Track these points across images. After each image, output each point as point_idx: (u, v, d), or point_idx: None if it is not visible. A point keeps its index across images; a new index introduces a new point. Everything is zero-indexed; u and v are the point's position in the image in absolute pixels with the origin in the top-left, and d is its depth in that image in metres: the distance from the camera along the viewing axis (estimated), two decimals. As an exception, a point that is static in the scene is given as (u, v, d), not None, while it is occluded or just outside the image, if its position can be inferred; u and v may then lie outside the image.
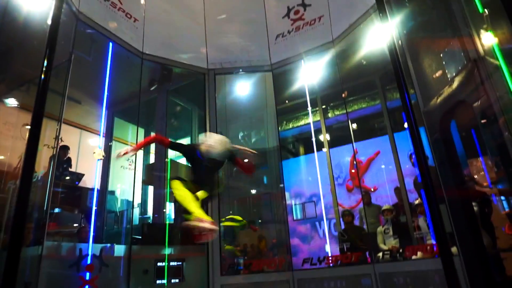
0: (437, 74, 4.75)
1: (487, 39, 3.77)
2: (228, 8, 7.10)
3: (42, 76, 2.07)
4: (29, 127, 5.14)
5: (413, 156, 6.32)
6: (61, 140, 5.10)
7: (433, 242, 4.97)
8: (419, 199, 5.71)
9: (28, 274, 4.05)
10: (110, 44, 5.84)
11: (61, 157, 5.87)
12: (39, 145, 2.49)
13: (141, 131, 7.17)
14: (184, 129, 8.34)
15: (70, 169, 6.15)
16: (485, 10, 3.81)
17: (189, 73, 7.09)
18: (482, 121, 4.48)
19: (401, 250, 5.17)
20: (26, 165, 1.77)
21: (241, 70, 7.14)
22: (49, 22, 2.61)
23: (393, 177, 6.85)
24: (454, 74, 4.30)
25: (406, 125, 6.39)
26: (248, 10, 7.02)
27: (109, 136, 7.02)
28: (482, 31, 3.82)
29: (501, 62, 3.70)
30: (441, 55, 4.61)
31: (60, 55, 2.48)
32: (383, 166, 7.41)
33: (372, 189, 7.36)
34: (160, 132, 7.03)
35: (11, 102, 5.59)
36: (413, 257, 4.92)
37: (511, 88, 3.62)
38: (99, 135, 5.71)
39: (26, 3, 4.69)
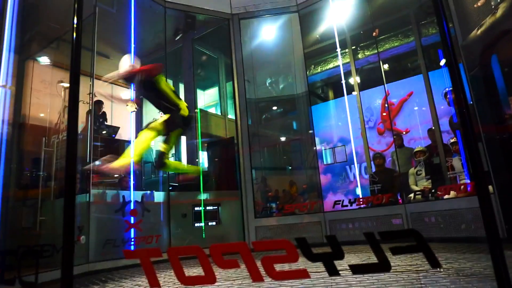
0: (479, 3, 4.36)
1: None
2: None
3: (74, 34, 2.08)
4: (64, 84, 5.34)
5: (449, 95, 6.07)
6: (95, 95, 5.26)
7: (467, 181, 4.92)
8: (454, 138, 5.56)
9: (80, 219, 4.44)
10: (132, -8, 5.74)
11: (97, 111, 6.09)
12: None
13: (170, 83, 7.23)
14: (212, 78, 8.33)
15: (106, 123, 6.40)
16: None
17: (213, 20, 6.92)
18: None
19: (433, 191, 5.17)
20: (70, 121, 1.87)
21: (266, 13, 6.87)
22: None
23: (427, 119, 6.65)
24: (498, 1, 3.94)
25: (442, 62, 6.08)
26: None
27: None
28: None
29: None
30: (485, -19, 4.20)
31: (84, 8, 2.48)
32: (416, 108, 7.18)
33: (404, 132, 7.21)
34: (188, 83, 7.08)
35: (44, 60, 5.75)
36: (446, 196, 4.93)
37: None
38: (130, 88, 5.82)
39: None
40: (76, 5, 2.43)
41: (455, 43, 4.44)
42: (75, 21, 2.40)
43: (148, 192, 5.57)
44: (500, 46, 4.28)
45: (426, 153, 5.75)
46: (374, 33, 6.49)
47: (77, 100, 2.16)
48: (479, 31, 4.22)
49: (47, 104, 5.55)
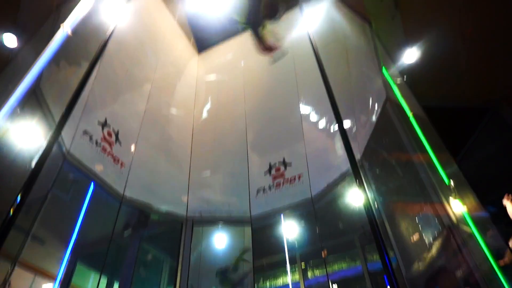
0: (414, 238, 4.76)
1: (457, 207, 3.95)
2: (214, 161, 7.52)
3: (10, 212, 1.96)
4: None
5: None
6: (9, 286, 4.52)
7: None
8: None
9: None
10: (92, 184, 5.85)
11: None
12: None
13: (104, 280, 6.48)
14: (152, 280, 7.62)
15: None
16: (451, 181, 4.12)
17: (166, 220, 6.94)
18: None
19: None
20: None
21: (220, 220, 7.05)
22: (33, 164, 2.64)
23: None
24: (431, 240, 4.32)
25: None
26: (233, 164, 7.43)
27: (65, 284, 6.27)
28: (451, 199, 4.03)
29: (474, 230, 3.79)
30: (417, 220, 4.73)
31: (36, 191, 2.42)
32: None
33: None
34: (125, 282, 6.39)
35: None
36: None
37: (489, 256, 3.60)
38: (55, 281, 5.13)
39: (16, 142, 4.80)
40: (22, 191, 2.38)
41: (398, 273, 4.56)
42: (18, 200, 2.30)
43: None
44: (441, 280, 4.43)
45: None
46: (323, 254, 6.64)
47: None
48: (420, 265, 4.43)
49: None
